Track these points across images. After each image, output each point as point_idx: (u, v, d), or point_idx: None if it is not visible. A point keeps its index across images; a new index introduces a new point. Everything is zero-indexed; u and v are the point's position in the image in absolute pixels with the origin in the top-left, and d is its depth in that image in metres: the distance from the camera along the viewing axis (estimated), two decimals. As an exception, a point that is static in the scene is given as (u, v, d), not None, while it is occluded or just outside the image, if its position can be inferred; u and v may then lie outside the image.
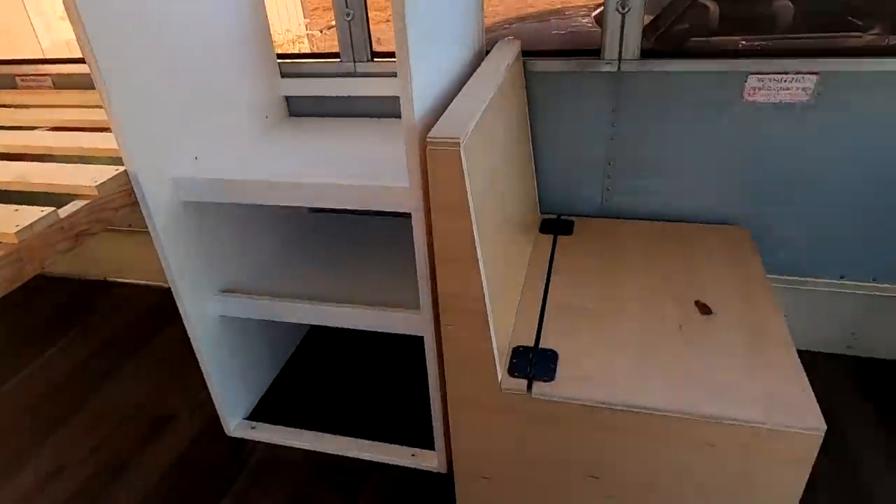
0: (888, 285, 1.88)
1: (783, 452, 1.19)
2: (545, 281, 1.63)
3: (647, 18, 3.57)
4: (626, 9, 1.65)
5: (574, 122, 1.85)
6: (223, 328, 1.77)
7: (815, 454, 1.17)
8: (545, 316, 1.49)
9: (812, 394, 1.21)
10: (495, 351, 1.28)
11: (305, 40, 8.40)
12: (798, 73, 1.63)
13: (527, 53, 1.80)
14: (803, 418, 1.16)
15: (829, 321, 2.00)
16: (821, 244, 1.87)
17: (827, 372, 1.97)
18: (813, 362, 2.02)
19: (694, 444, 1.23)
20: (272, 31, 1.89)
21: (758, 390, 1.24)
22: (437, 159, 1.12)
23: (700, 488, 1.30)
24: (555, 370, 1.32)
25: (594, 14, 3.98)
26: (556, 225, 1.91)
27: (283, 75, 1.96)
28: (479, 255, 1.19)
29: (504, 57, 1.62)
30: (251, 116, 1.81)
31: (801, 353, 2.03)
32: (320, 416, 1.93)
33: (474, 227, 1.17)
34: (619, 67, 1.73)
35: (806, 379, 1.25)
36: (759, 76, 1.66)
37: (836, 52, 1.60)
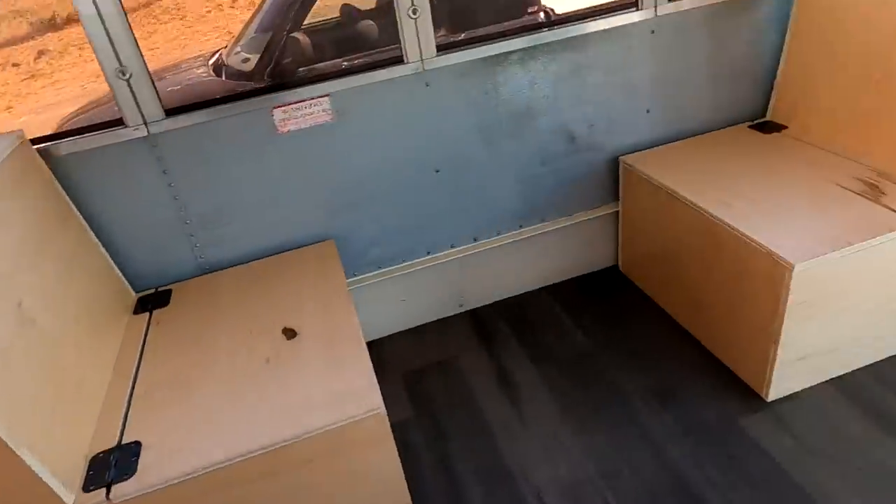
0: (450, 251, 2.24)
1: (365, 440, 1.31)
2: (136, 365, 1.53)
3: (254, 58, 3.65)
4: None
5: (131, 193, 1.77)
6: None
7: (389, 431, 1.32)
8: (132, 405, 1.40)
9: (374, 380, 1.36)
10: (52, 484, 1.14)
11: None
12: (312, 98, 1.81)
13: (41, 139, 1.65)
14: (365, 404, 1.30)
15: (441, 291, 2.31)
16: (400, 231, 2.13)
17: (448, 334, 2.28)
18: (439, 329, 2.31)
19: (297, 467, 1.29)
20: None
21: (332, 394, 1.34)
22: None
23: (330, 499, 1.37)
24: (136, 463, 1.24)
25: (211, 62, 3.90)
26: (152, 299, 1.82)
27: None
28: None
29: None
30: None
31: (419, 328, 2.32)
32: None
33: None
34: (147, 131, 1.70)
35: (370, 369, 1.40)
36: (283, 108, 1.80)
37: (338, 75, 1.83)
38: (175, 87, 3.89)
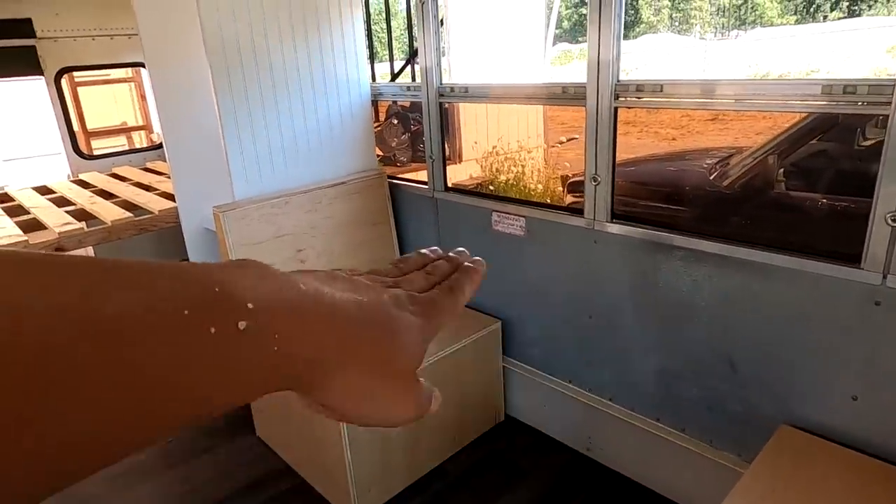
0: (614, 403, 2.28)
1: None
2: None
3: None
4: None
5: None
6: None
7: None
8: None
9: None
10: None
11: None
12: (515, 215, 2.36)
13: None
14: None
15: (573, 422, 2.44)
16: (550, 347, 2.41)
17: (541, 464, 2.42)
18: (550, 450, 2.46)
19: None
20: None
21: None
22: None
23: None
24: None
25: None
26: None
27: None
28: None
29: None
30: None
31: (547, 438, 2.51)
32: None
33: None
34: (432, 195, 2.68)
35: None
36: (498, 214, 2.44)
37: (533, 205, 2.30)
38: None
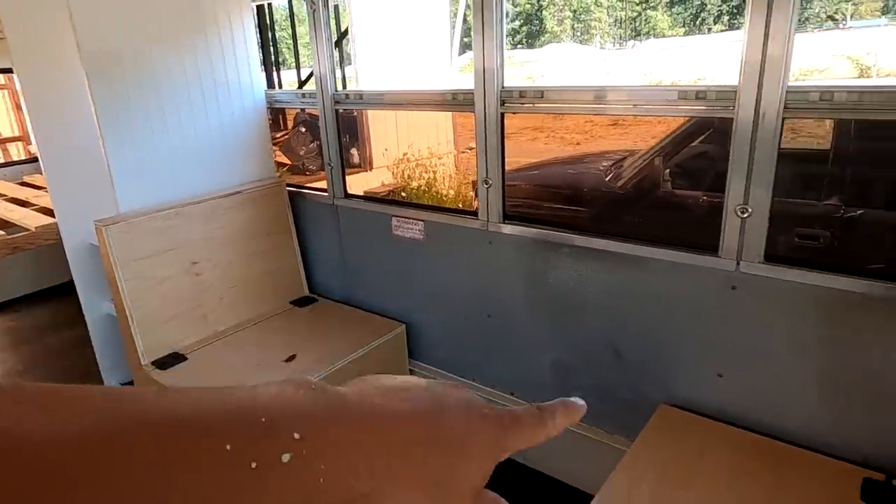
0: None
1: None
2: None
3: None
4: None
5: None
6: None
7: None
8: (210, 337, 2.46)
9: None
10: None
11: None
12: (414, 219, 2.40)
13: (298, 186, 2.85)
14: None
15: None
16: (455, 348, 2.46)
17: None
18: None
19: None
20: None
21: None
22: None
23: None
24: (167, 358, 2.28)
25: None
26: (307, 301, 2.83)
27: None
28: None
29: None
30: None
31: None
32: None
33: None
34: (332, 202, 2.67)
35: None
36: (398, 219, 2.46)
37: (432, 209, 2.35)
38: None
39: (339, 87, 2.60)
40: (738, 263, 1.67)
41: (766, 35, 1.48)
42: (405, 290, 2.54)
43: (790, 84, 1.51)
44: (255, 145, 2.71)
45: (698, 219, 3.48)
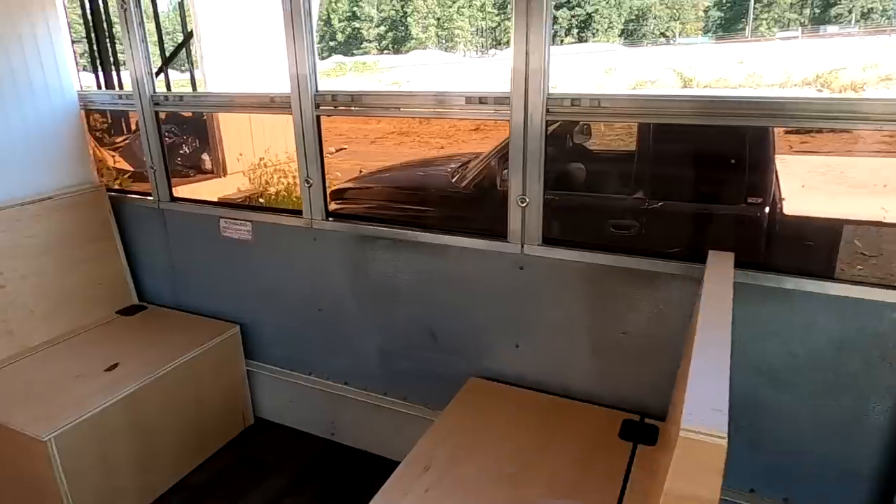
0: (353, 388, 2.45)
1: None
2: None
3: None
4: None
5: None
6: None
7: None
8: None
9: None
10: None
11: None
12: (242, 220, 2.43)
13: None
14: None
15: (318, 411, 2.58)
16: (292, 345, 2.52)
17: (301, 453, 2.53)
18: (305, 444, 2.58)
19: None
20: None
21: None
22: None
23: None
24: None
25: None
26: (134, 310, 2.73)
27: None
28: None
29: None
30: None
31: (298, 433, 2.62)
32: None
33: None
34: (158, 206, 2.62)
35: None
36: (226, 220, 2.48)
37: (258, 209, 2.40)
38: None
39: (164, 89, 2.55)
40: (522, 247, 1.92)
41: (527, 52, 1.73)
42: (237, 291, 2.56)
43: (550, 92, 1.78)
44: (68, 149, 2.58)
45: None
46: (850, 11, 28.99)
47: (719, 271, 1.49)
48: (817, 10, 30.23)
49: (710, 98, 1.65)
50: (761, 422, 1.75)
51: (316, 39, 2.12)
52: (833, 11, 29.43)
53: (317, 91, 2.12)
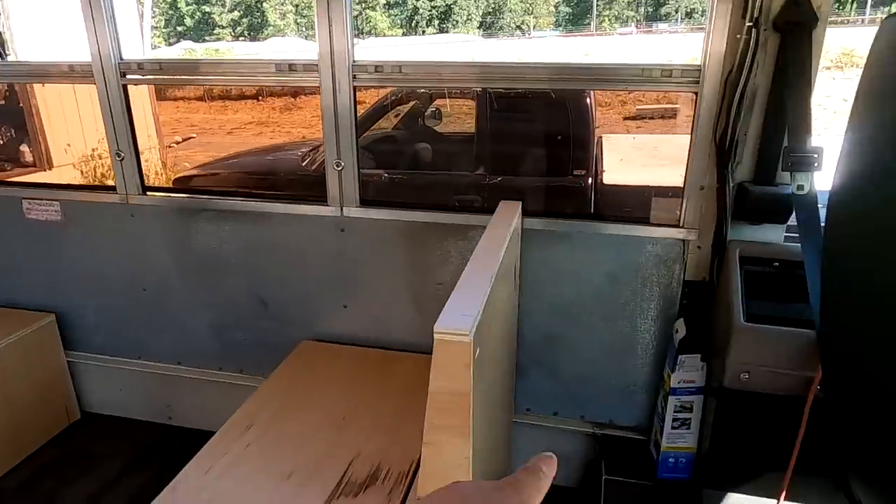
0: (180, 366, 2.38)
1: None
2: None
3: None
4: None
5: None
6: None
7: None
8: None
9: None
10: None
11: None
12: (48, 199, 2.27)
13: None
14: None
15: (151, 396, 2.48)
16: (117, 330, 2.40)
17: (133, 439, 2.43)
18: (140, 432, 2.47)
19: None
20: None
21: None
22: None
23: None
24: None
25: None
26: None
27: None
28: None
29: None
30: None
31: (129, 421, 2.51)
32: None
33: None
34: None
35: None
36: (30, 201, 2.29)
37: (67, 188, 2.25)
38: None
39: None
40: (341, 209, 2.00)
41: (330, 19, 1.80)
42: (50, 277, 2.38)
43: (355, 60, 1.87)
44: None
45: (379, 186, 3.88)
46: (676, 10, 32.48)
47: (504, 217, 1.67)
48: (650, 9, 33.48)
49: (495, 65, 1.84)
50: (557, 353, 1.99)
51: (114, 4, 2.03)
52: (663, 10, 32.78)
53: (121, 59, 2.04)
